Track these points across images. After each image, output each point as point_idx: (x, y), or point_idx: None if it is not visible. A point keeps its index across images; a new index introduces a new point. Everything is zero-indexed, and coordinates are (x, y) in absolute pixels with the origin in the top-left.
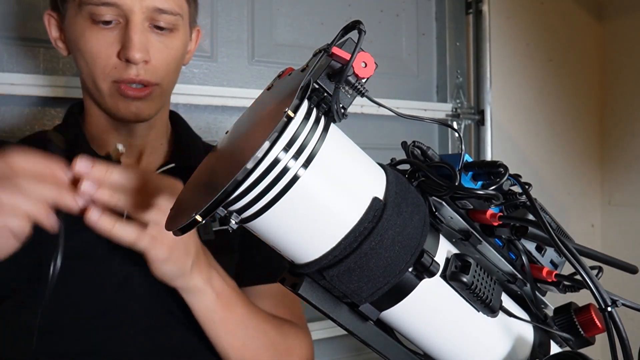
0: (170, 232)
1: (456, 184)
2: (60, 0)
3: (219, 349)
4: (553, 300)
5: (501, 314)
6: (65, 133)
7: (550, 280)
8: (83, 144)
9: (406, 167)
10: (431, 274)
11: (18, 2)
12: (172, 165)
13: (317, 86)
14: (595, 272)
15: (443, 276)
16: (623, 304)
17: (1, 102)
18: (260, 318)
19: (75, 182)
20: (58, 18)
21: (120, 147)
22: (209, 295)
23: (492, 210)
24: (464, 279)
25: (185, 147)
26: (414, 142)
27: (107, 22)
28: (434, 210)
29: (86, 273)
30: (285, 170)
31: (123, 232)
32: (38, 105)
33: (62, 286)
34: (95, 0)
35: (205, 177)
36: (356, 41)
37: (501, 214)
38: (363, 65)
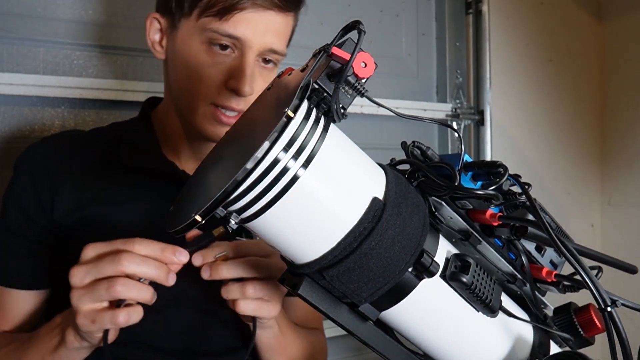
0: (276, 289)
1: (456, 184)
2: (177, 12)
3: None
4: (553, 300)
5: (501, 314)
6: (134, 135)
7: (550, 280)
8: (154, 147)
9: (406, 167)
10: (431, 274)
11: (18, 2)
12: None
13: (316, 86)
14: (595, 272)
15: (443, 276)
16: (623, 304)
17: (1, 102)
18: (302, 336)
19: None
20: (165, 25)
21: (226, 253)
22: (275, 329)
23: (491, 210)
24: (464, 279)
25: None
26: (413, 142)
27: (224, 48)
28: (434, 210)
29: None
30: (284, 170)
31: (246, 306)
32: (38, 105)
33: None
34: (221, 31)
35: (206, 176)
36: (356, 41)
37: (501, 214)
38: (363, 65)
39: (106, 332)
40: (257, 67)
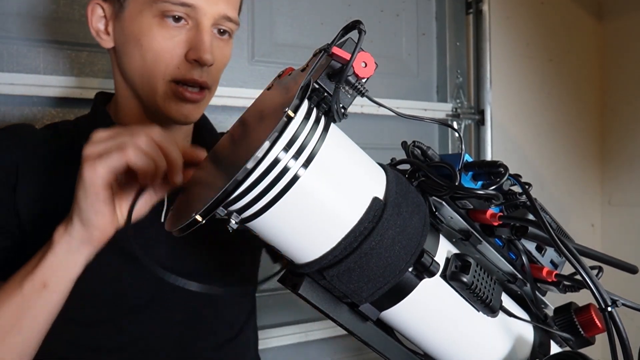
0: None
1: (456, 183)
2: None
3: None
4: (553, 300)
5: (501, 314)
6: (95, 124)
7: (550, 280)
8: None
9: (406, 167)
10: (431, 274)
11: (18, 2)
12: None
13: (317, 86)
14: (595, 272)
15: (443, 276)
16: (623, 304)
17: (1, 102)
18: None
19: None
20: (110, 10)
21: None
22: None
23: (492, 210)
24: (464, 279)
25: (206, 144)
26: (414, 142)
27: (177, 20)
28: (434, 210)
29: (126, 269)
30: (285, 170)
31: None
32: (38, 105)
33: (101, 282)
34: (173, 0)
35: (206, 176)
36: (356, 41)
37: (501, 213)
38: (363, 65)
39: (131, 209)
40: (214, 39)
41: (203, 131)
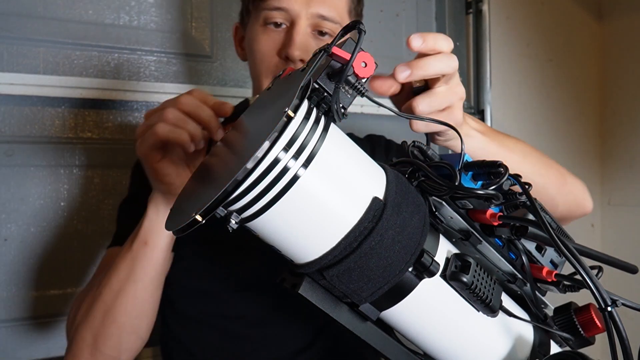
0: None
1: (456, 183)
2: (245, 12)
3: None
4: (553, 300)
5: (501, 314)
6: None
7: (550, 280)
8: None
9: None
10: (431, 274)
11: (18, 2)
12: None
13: (317, 86)
14: (595, 272)
15: (443, 276)
16: (623, 304)
17: (1, 102)
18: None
19: None
20: (241, 29)
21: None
22: (477, 138)
23: (492, 210)
24: (464, 279)
25: None
26: (414, 142)
27: (278, 25)
28: (434, 210)
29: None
30: (285, 170)
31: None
32: (38, 105)
33: (211, 262)
34: (269, 5)
35: (207, 175)
36: (356, 41)
37: (501, 213)
38: (363, 65)
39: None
40: (312, 39)
41: None
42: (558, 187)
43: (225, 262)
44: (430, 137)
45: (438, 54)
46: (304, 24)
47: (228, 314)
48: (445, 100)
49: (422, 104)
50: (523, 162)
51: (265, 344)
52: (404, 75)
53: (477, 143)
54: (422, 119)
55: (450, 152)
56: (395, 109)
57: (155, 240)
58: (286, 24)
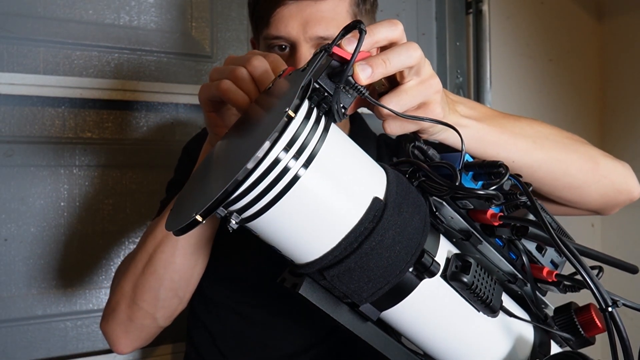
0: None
1: (457, 183)
2: (255, 32)
3: (525, 172)
4: (553, 300)
5: (501, 314)
6: None
7: (550, 280)
8: None
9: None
10: (432, 274)
11: (18, 2)
12: None
13: (317, 86)
14: (595, 272)
15: (443, 276)
16: (623, 304)
17: (1, 102)
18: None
19: None
20: (257, 42)
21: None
22: (472, 126)
23: (492, 210)
24: (465, 279)
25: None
26: (414, 142)
27: (283, 49)
28: (435, 210)
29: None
30: (285, 170)
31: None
32: (38, 105)
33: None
34: (268, 35)
35: (207, 176)
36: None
37: (502, 214)
38: None
39: None
40: None
41: (359, 135)
42: (586, 173)
43: (257, 250)
44: (414, 134)
45: (393, 45)
46: (305, 47)
47: (254, 302)
48: (418, 96)
49: (391, 103)
50: (533, 148)
51: (291, 333)
52: (365, 74)
53: (471, 132)
54: (423, 119)
55: (437, 142)
56: (395, 109)
57: None
58: (288, 48)
